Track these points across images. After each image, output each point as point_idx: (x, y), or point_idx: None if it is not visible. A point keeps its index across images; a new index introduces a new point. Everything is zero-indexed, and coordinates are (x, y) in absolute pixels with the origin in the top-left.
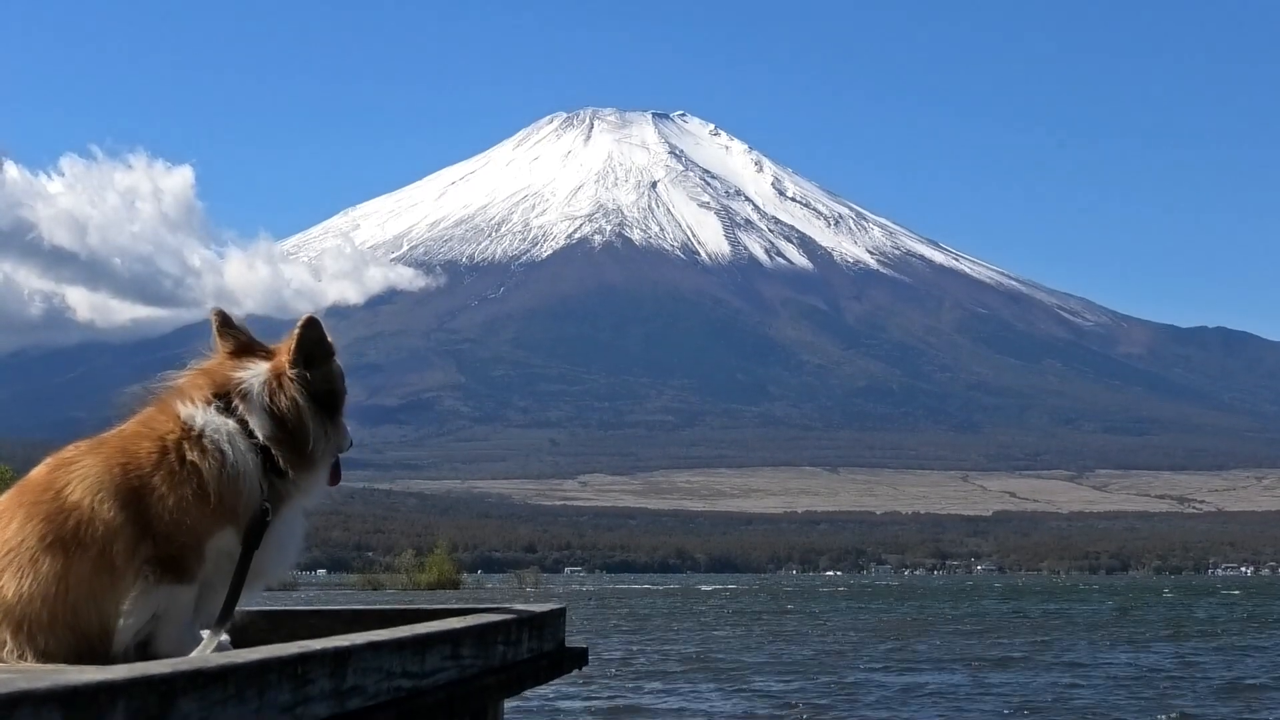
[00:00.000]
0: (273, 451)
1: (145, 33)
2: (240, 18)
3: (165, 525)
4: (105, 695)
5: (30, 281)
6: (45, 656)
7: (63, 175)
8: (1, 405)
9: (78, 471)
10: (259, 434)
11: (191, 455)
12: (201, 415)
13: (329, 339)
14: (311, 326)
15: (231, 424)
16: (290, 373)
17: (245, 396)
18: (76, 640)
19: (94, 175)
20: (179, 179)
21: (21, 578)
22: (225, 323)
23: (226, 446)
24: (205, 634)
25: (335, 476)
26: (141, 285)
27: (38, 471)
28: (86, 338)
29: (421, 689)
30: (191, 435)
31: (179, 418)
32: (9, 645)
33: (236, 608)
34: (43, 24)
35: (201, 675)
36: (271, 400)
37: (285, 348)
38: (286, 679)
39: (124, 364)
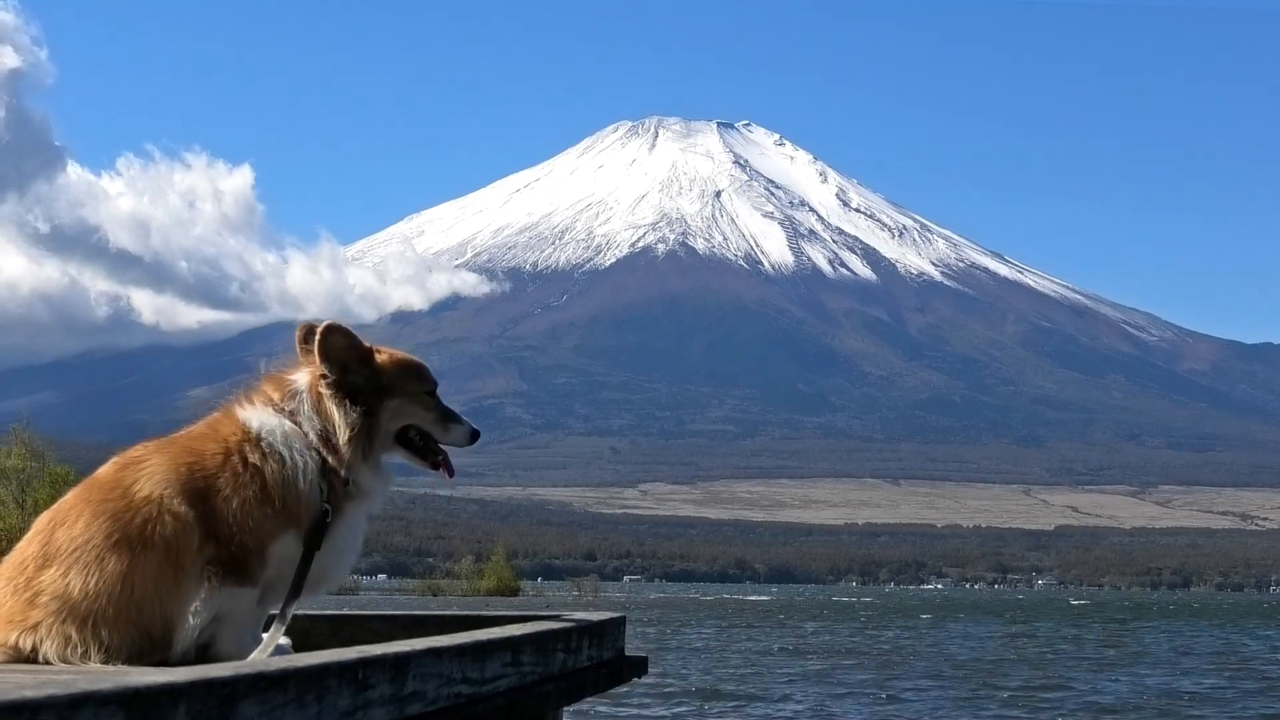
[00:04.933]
0: (320, 452)
1: (199, 31)
2: (299, 22)
3: (229, 527)
4: (167, 697)
5: (96, 284)
6: (109, 651)
7: (120, 175)
8: (66, 407)
9: (146, 470)
10: (311, 435)
11: (253, 458)
12: (258, 418)
13: (357, 342)
14: (329, 334)
15: (288, 425)
16: (321, 373)
17: (295, 398)
18: (140, 636)
19: (151, 176)
20: (239, 180)
21: (88, 575)
22: (307, 338)
23: (283, 448)
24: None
25: (449, 469)
26: (207, 288)
27: (105, 469)
28: (151, 340)
29: (481, 695)
30: (250, 438)
31: (239, 420)
32: (74, 639)
33: (296, 610)
34: (94, 21)
35: (263, 679)
36: (315, 402)
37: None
38: (346, 684)
39: (187, 367)
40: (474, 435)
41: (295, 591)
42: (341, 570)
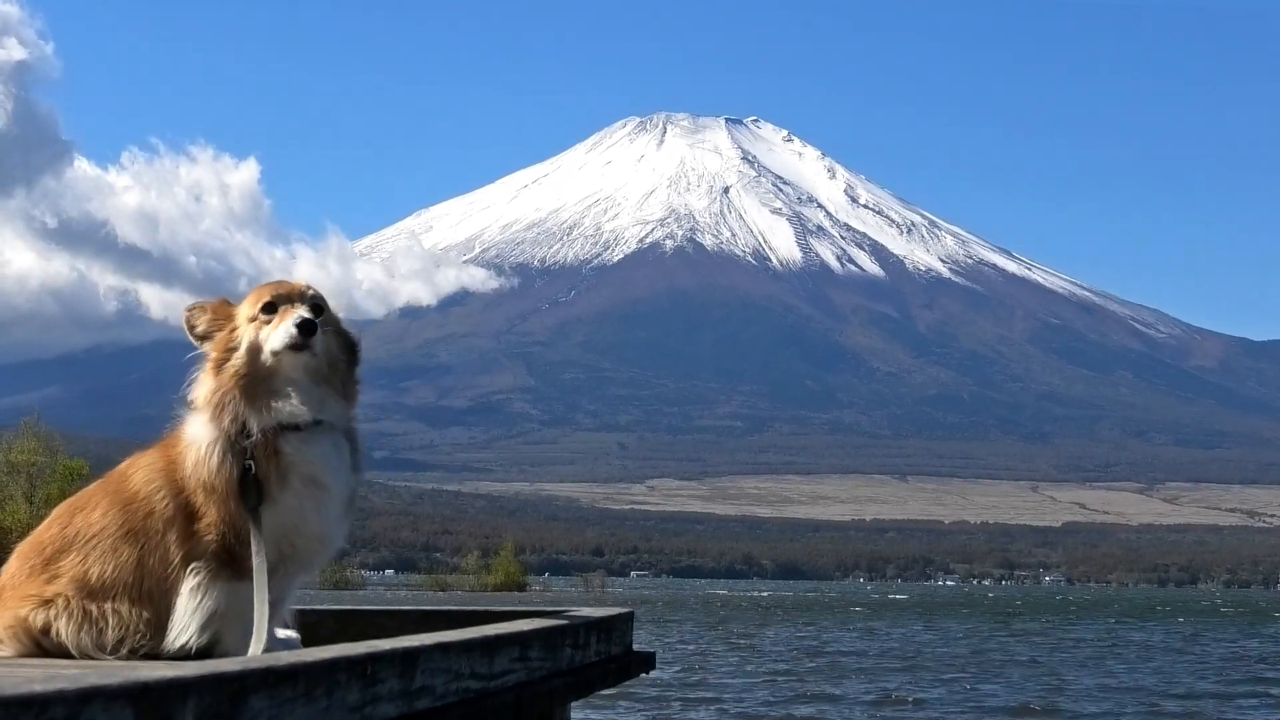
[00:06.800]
0: (215, 421)
1: (202, 24)
2: (303, 15)
3: (206, 522)
4: (176, 692)
5: (104, 278)
6: (125, 629)
7: (125, 169)
8: (73, 402)
9: (143, 464)
10: (206, 410)
11: (182, 450)
12: (190, 417)
13: (212, 311)
14: (188, 318)
15: (197, 414)
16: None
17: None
18: (154, 616)
19: (156, 169)
20: (245, 174)
21: (104, 563)
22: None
23: (192, 434)
24: (280, 632)
25: (296, 337)
26: (215, 283)
27: (123, 464)
28: (160, 335)
29: (489, 690)
30: (184, 436)
31: (186, 421)
32: (95, 613)
33: (289, 587)
34: (98, 14)
35: (272, 673)
36: (200, 382)
37: None
38: (355, 678)
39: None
40: (290, 333)
41: (259, 550)
42: (315, 520)
